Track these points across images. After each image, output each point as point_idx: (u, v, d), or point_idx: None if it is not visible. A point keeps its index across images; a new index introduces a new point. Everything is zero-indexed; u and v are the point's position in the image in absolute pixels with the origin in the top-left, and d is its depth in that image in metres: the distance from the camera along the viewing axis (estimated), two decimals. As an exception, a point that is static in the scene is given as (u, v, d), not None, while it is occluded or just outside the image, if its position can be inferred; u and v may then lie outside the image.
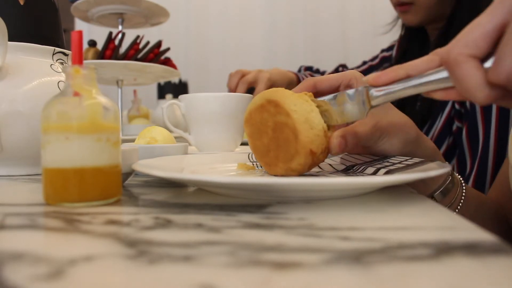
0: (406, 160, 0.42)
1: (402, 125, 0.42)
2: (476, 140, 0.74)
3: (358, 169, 0.42)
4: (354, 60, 1.57)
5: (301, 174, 0.39)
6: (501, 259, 0.19)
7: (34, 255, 0.20)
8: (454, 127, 0.78)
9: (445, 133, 0.79)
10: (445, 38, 0.84)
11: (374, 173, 0.40)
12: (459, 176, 0.50)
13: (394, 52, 1.08)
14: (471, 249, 0.20)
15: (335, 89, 0.44)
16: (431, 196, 0.47)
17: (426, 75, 0.32)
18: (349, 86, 0.43)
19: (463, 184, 0.49)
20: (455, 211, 0.48)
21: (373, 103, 0.36)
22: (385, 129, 0.42)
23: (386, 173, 0.39)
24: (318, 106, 0.37)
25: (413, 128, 0.43)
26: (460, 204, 0.48)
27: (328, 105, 0.38)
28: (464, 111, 0.76)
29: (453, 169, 0.47)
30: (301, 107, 0.36)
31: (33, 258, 0.19)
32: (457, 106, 0.77)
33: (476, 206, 0.50)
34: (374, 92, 0.35)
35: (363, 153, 0.46)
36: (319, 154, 0.37)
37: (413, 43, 0.99)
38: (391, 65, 1.07)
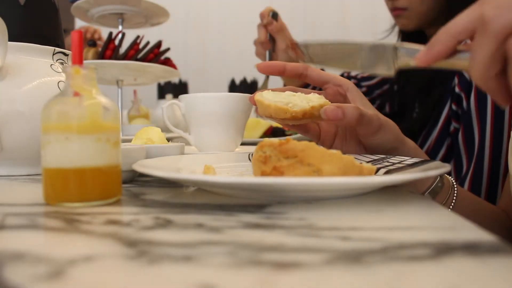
0: (406, 160, 0.42)
1: (392, 124, 0.46)
2: (472, 141, 0.73)
3: None
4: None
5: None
6: (501, 259, 0.19)
7: (34, 255, 0.20)
8: (452, 128, 0.78)
9: (444, 135, 0.79)
10: None
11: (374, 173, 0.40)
12: (451, 178, 0.50)
13: None
14: (471, 249, 0.20)
15: (322, 83, 0.47)
16: None
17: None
18: (337, 88, 0.47)
19: (455, 186, 0.50)
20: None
21: (401, 65, 0.33)
22: (384, 122, 0.44)
23: (386, 173, 0.39)
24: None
25: (398, 128, 0.47)
26: (452, 206, 0.49)
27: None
28: (460, 112, 0.75)
29: (450, 170, 0.48)
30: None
31: (33, 258, 0.19)
32: (454, 107, 0.77)
33: (472, 210, 0.51)
34: (407, 58, 0.31)
35: (357, 144, 0.48)
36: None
37: None
38: (391, 84, 1.10)
